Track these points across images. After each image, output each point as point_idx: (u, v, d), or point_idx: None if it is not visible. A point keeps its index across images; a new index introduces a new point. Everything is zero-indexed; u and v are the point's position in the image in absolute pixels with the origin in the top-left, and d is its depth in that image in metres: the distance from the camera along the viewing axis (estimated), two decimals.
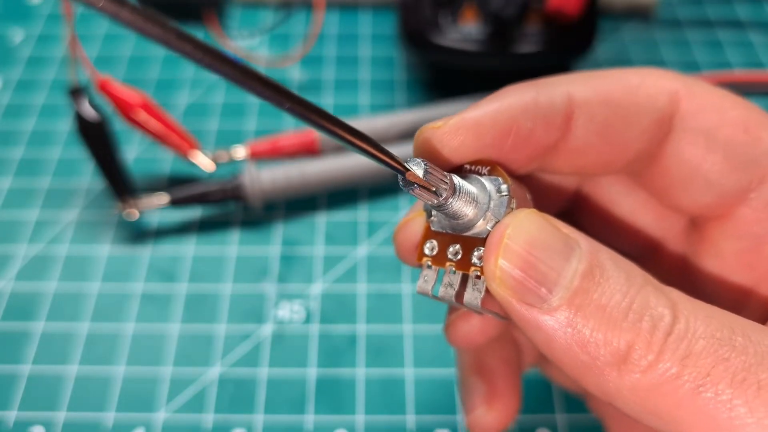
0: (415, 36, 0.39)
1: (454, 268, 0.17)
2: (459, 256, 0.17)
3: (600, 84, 0.18)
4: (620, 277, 0.14)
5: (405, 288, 0.34)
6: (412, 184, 0.15)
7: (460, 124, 0.17)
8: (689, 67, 0.43)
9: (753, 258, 0.18)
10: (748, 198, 0.17)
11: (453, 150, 0.17)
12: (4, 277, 0.34)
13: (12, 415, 0.30)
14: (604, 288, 0.14)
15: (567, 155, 0.18)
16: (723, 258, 0.18)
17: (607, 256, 0.15)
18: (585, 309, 0.14)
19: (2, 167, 0.39)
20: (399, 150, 0.36)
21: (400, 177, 0.15)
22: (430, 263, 0.17)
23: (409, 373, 0.31)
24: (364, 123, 0.38)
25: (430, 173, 0.15)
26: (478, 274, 0.16)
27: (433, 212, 0.18)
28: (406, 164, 0.15)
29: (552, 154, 0.18)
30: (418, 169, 0.15)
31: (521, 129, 0.17)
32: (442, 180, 0.16)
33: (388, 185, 0.37)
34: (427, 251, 0.17)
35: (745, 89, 0.41)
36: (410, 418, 0.30)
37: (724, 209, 0.18)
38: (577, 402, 0.30)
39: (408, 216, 0.19)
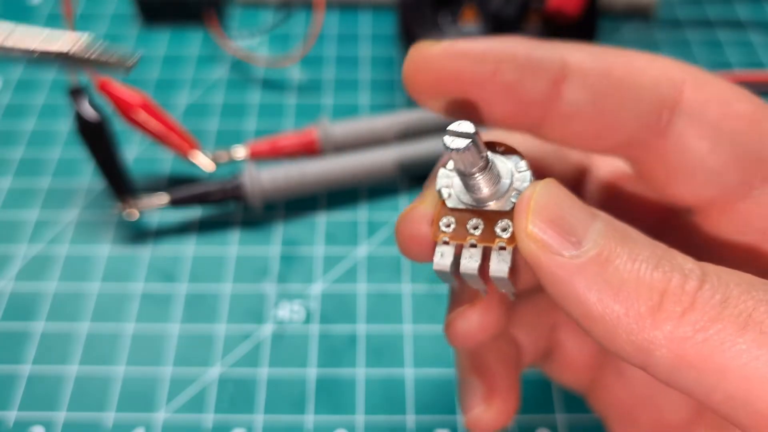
0: (415, 36, 0.39)
1: (475, 242, 0.16)
2: (480, 230, 0.16)
3: (603, 57, 0.18)
4: (645, 239, 0.14)
5: (405, 288, 0.34)
6: (460, 144, 0.15)
7: (453, 45, 0.18)
8: None
9: (758, 253, 0.18)
10: (752, 194, 0.17)
11: (440, 70, 0.17)
12: (4, 277, 0.34)
13: (12, 415, 0.30)
14: (632, 245, 0.14)
15: (556, 120, 0.18)
16: (728, 252, 0.18)
17: (626, 225, 0.15)
18: (615, 260, 0.14)
19: (2, 167, 0.39)
20: (399, 149, 0.36)
21: (446, 138, 0.15)
22: (447, 239, 0.17)
23: (409, 373, 0.31)
24: (364, 123, 0.38)
25: (477, 139, 0.15)
26: (503, 245, 0.16)
27: (446, 191, 0.17)
28: (452, 128, 0.15)
29: (541, 119, 0.18)
30: (468, 131, 0.15)
31: (506, 74, 0.17)
32: (482, 150, 0.16)
33: (388, 185, 0.37)
34: (443, 228, 0.17)
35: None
36: (410, 418, 0.30)
37: (725, 203, 0.18)
38: (577, 402, 0.30)
39: (413, 204, 0.18)
